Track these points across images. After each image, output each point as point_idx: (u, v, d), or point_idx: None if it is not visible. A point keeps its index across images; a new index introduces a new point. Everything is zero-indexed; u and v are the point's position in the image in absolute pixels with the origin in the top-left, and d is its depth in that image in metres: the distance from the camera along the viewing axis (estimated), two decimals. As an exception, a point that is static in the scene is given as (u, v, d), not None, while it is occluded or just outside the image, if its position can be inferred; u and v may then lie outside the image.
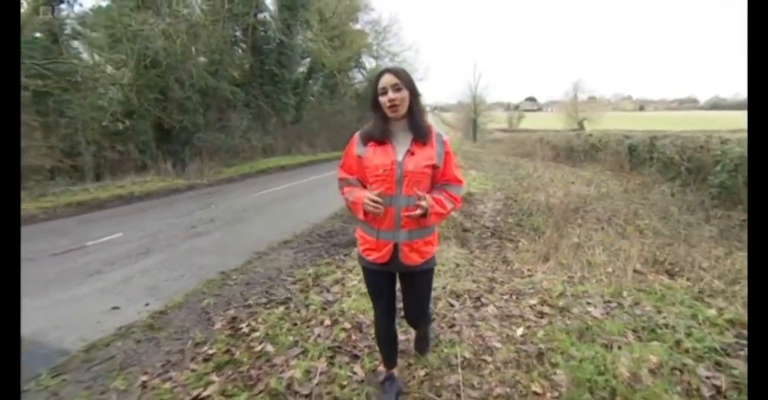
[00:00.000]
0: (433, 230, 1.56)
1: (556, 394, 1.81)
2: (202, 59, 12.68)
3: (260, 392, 1.79)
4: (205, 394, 1.80)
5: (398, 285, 1.69)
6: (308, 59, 18.78)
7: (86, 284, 3.41)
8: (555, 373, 1.96)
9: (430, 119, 1.61)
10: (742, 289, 3.11)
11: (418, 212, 1.38)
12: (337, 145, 19.48)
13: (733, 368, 1.89)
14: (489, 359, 2.12)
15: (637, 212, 6.20)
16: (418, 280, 1.61)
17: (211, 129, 12.81)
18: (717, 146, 7.30)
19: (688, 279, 3.57)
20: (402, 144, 1.45)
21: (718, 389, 1.80)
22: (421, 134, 1.44)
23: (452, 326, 2.44)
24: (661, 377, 1.87)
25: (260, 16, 14.72)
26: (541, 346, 2.21)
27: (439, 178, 1.50)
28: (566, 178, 9.22)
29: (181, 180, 9.97)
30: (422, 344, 2.02)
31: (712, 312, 2.51)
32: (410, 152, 1.42)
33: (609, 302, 2.79)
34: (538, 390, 1.84)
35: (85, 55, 10.98)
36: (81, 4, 10.04)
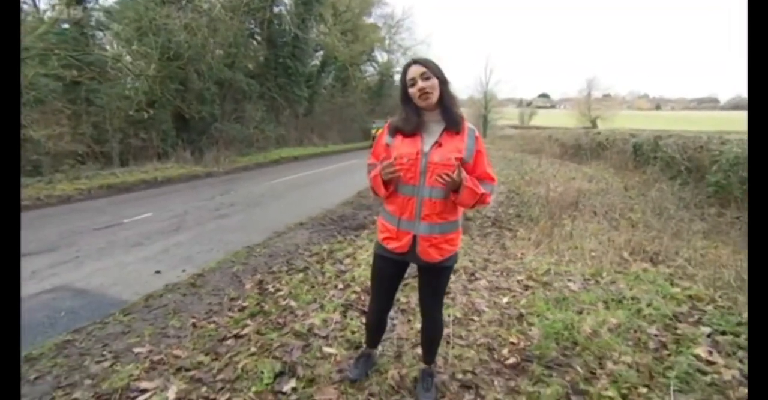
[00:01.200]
0: (457, 228, 1.52)
1: (529, 343, 2.20)
2: (219, 52, 13.13)
3: (287, 332, 2.23)
4: (243, 333, 2.25)
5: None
6: (321, 52, 19.14)
7: (131, 253, 3.89)
8: (530, 330, 2.36)
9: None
10: (713, 274, 3.45)
11: (451, 174, 1.31)
12: (347, 138, 19.92)
13: (677, 328, 2.27)
14: (476, 318, 2.52)
15: (632, 207, 6.49)
16: (434, 276, 1.57)
17: (227, 119, 13.30)
18: (716, 146, 7.51)
19: (668, 266, 3.91)
20: (432, 135, 1.44)
21: (663, 344, 2.18)
22: (453, 123, 1.42)
23: (447, 293, 2.84)
24: (617, 334, 2.25)
25: (276, 9, 15.06)
26: (522, 310, 2.60)
27: (469, 174, 1.45)
28: (569, 175, 9.50)
29: (199, 167, 10.48)
30: (431, 348, 1.79)
31: (676, 290, 2.88)
32: (438, 144, 1.41)
33: (588, 280, 3.17)
34: (515, 341, 2.24)
35: (108, 47, 11.51)
36: (105, -4, 10.41)
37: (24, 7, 9.45)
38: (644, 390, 1.79)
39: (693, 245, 4.50)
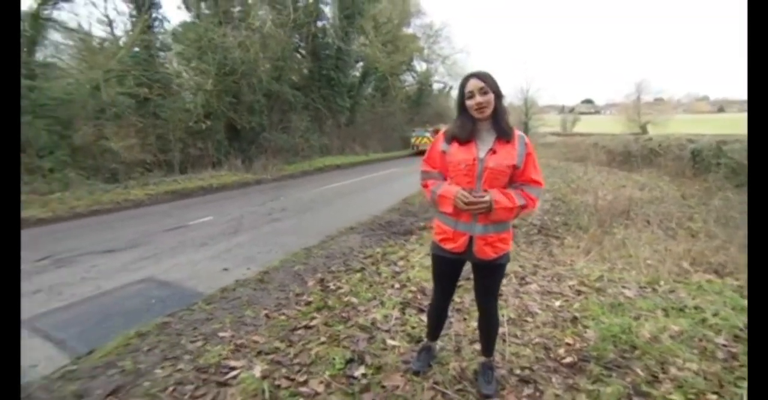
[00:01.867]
0: (508, 227, 1.63)
1: (585, 345, 2.23)
2: (267, 66, 13.99)
3: (352, 325, 2.42)
4: (311, 324, 2.46)
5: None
6: (362, 63, 19.72)
7: (199, 252, 4.30)
8: (585, 332, 2.38)
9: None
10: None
11: (480, 205, 1.47)
12: (388, 147, 20.23)
13: (748, 338, 2.20)
14: (530, 319, 2.58)
15: (692, 216, 6.14)
16: (489, 274, 1.69)
17: (275, 129, 14.06)
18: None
19: (737, 279, 3.69)
20: (486, 143, 1.54)
21: (733, 355, 2.12)
22: (504, 134, 1.53)
23: (500, 295, 2.91)
24: (680, 341, 2.22)
25: (320, 24, 15.82)
26: (576, 314, 2.62)
27: (518, 178, 1.57)
28: (618, 182, 9.11)
29: (249, 175, 11.15)
30: (489, 342, 1.90)
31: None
32: (492, 151, 1.52)
33: (644, 287, 3.10)
34: (570, 341, 2.27)
35: (168, 66, 12.65)
36: (169, 21, 11.50)
37: (102, 34, 10.69)
38: (713, 397, 1.77)
39: (764, 257, 4.20)
